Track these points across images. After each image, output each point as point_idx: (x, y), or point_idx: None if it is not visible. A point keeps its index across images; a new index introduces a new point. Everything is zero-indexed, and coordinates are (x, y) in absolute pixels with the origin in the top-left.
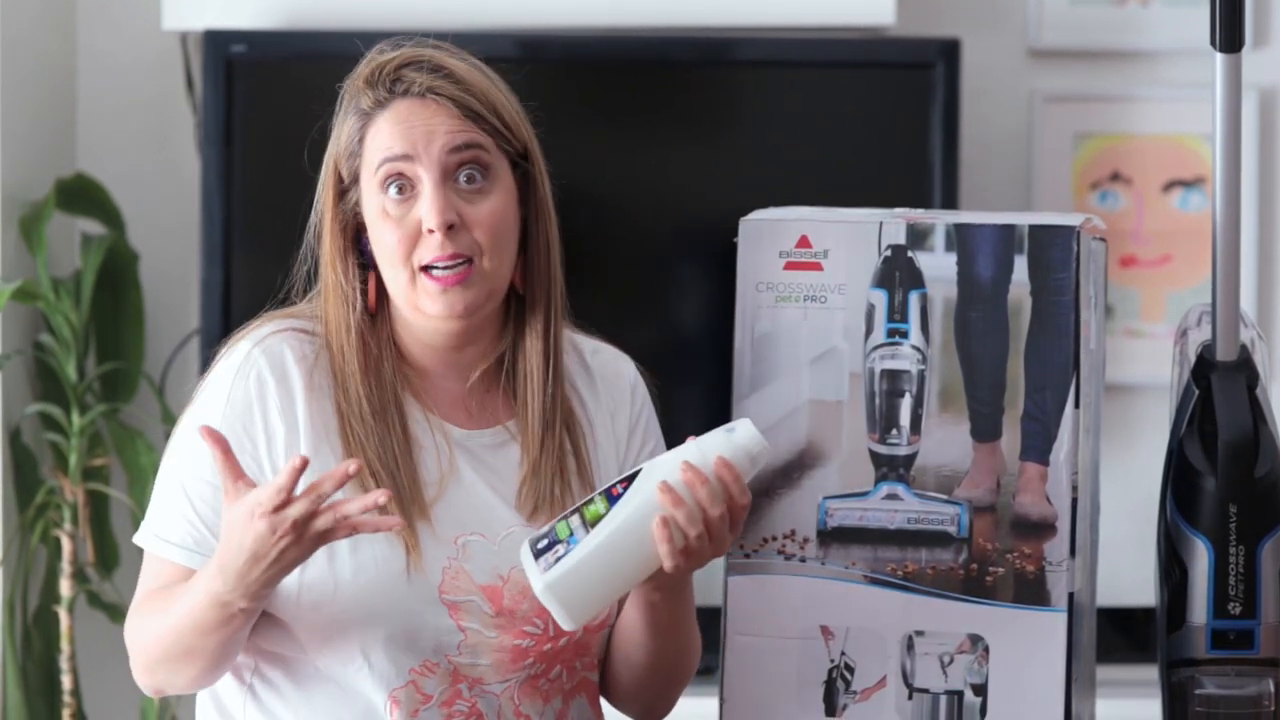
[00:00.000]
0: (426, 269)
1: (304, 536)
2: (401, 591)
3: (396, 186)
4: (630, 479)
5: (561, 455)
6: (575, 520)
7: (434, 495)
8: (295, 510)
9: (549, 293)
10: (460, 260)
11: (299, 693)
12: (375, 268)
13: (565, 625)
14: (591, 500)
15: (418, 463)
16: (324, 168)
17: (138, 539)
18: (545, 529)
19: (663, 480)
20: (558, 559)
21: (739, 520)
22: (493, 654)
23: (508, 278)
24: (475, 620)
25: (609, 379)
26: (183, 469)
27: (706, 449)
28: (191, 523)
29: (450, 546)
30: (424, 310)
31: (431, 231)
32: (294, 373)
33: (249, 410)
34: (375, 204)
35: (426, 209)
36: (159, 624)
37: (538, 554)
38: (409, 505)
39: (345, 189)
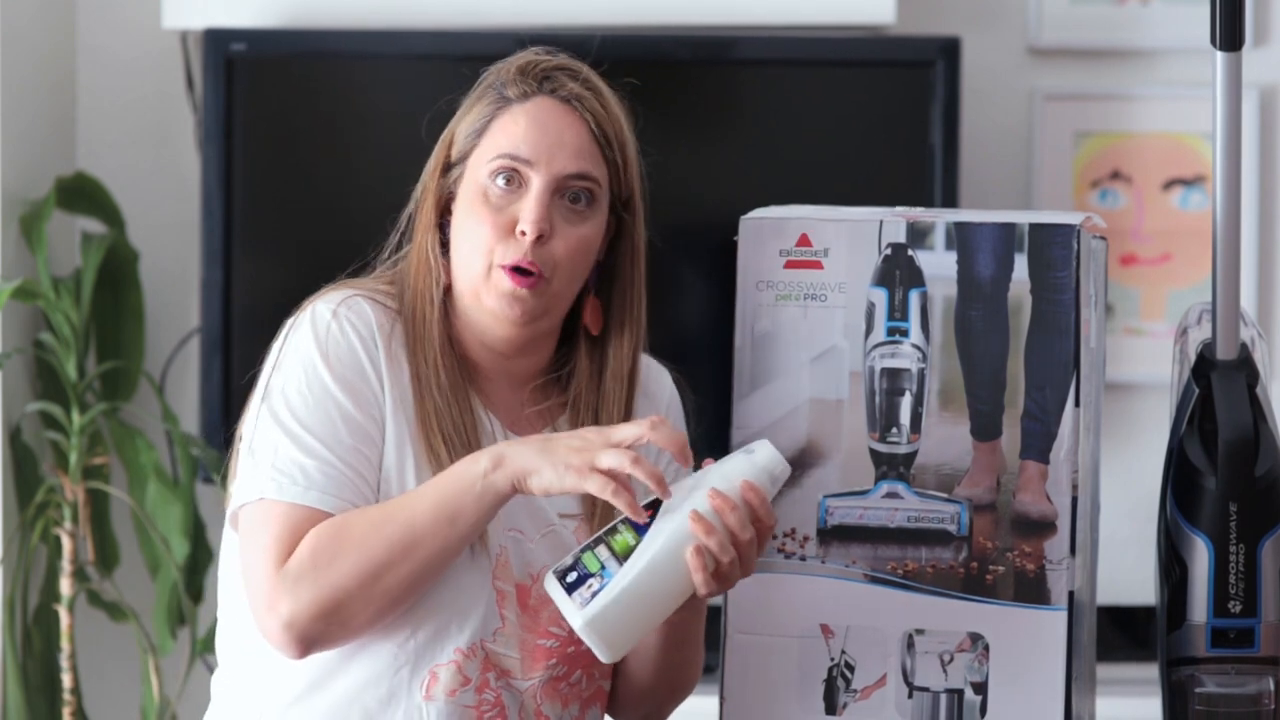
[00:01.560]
0: (506, 266)
1: (604, 449)
2: (465, 565)
3: (505, 178)
4: (653, 506)
5: None
6: (603, 552)
7: None
8: (617, 432)
9: (636, 332)
10: (536, 272)
11: (320, 678)
12: (445, 252)
13: (605, 659)
14: (615, 530)
15: (484, 443)
16: (439, 141)
17: (261, 491)
18: (569, 560)
19: (694, 509)
20: (594, 593)
21: (765, 541)
22: (520, 648)
23: (569, 303)
24: (511, 612)
25: (650, 394)
26: (300, 417)
27: (731, 474)
28: (330, 463)
29: (502, 535)
30: (486, 304)
31: (523, 234)
32: (377, 335)
33: (355, 359)
34: (477, 187)
35: (528, 212)
36: (361, 534)
37: (569, 588)
38: None
39: (452, 164)
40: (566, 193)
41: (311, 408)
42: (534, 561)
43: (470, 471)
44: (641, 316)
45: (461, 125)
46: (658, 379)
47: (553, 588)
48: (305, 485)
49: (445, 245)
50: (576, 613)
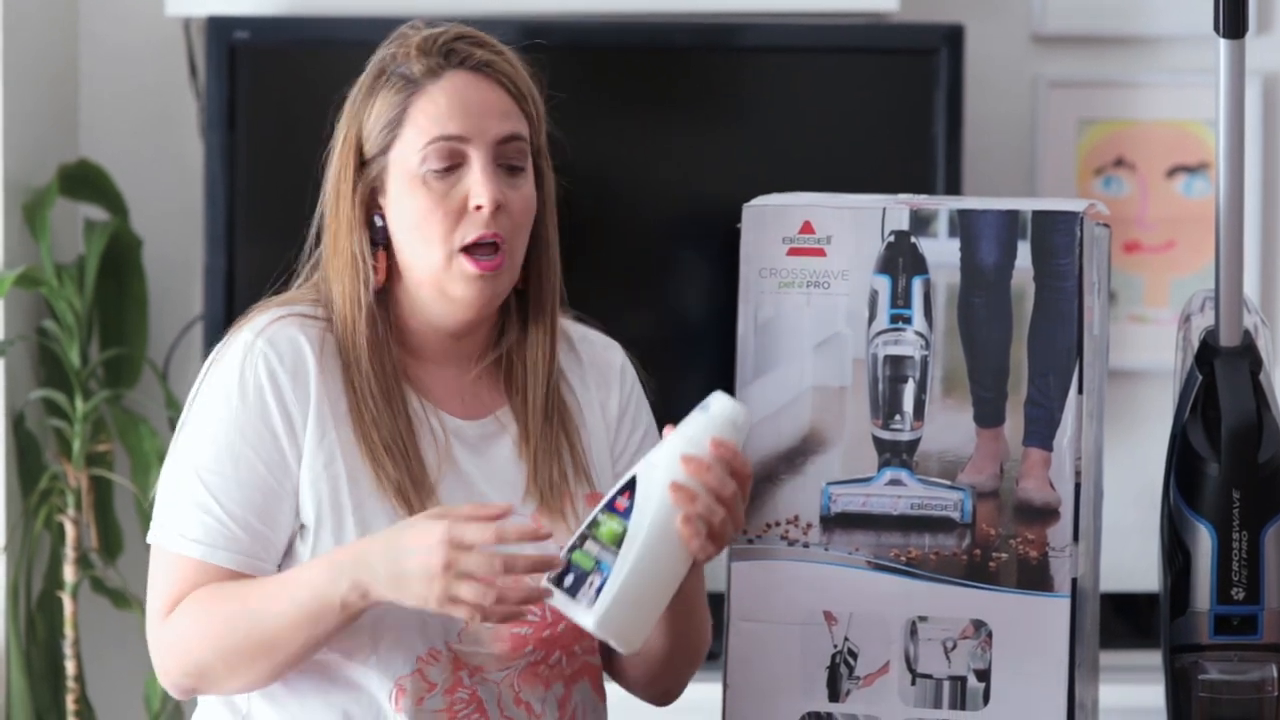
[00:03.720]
0: (468, 250)
1: (457, 579)
2: None
3: (444, 161)
4: (630, 489)
5: (558, 444)
6: (593, 547)
7: (434, 481)
8: (474, 560)
9: (554, 289)
10: (499, 244)
11: (302, 685)
12: (385, 245)
13: (625, 651)
14: (596, 521)
15: (422, 447)
16: (341, 137)
17: (155, 538)
18: (561, 565)
19: (671, 480)
20: (598, 590)
21: (748, 489)
22: (492, 643)
23: (520, 268)
24: None
25: (598, 366)
26: (200, 463)
27: (694, 435)
28: (219, 519)
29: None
30: (451, 294)
31: (479, 209)
32: (306, 354)
33: (262, 402)
34: (411, 177)
35: (479, 187)
36: (224, 623)
37: (570, 590)
38: (418, 488)
39: (367, 160)
40: (503, 159)
41: (213, 455)
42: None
43: (330, 592)
44: (556, 260)
45: (370, 118)
46: (604, 352)
47: (555, 598)
48: (204, 538)
49: (374, 244)
50: (586, 613)
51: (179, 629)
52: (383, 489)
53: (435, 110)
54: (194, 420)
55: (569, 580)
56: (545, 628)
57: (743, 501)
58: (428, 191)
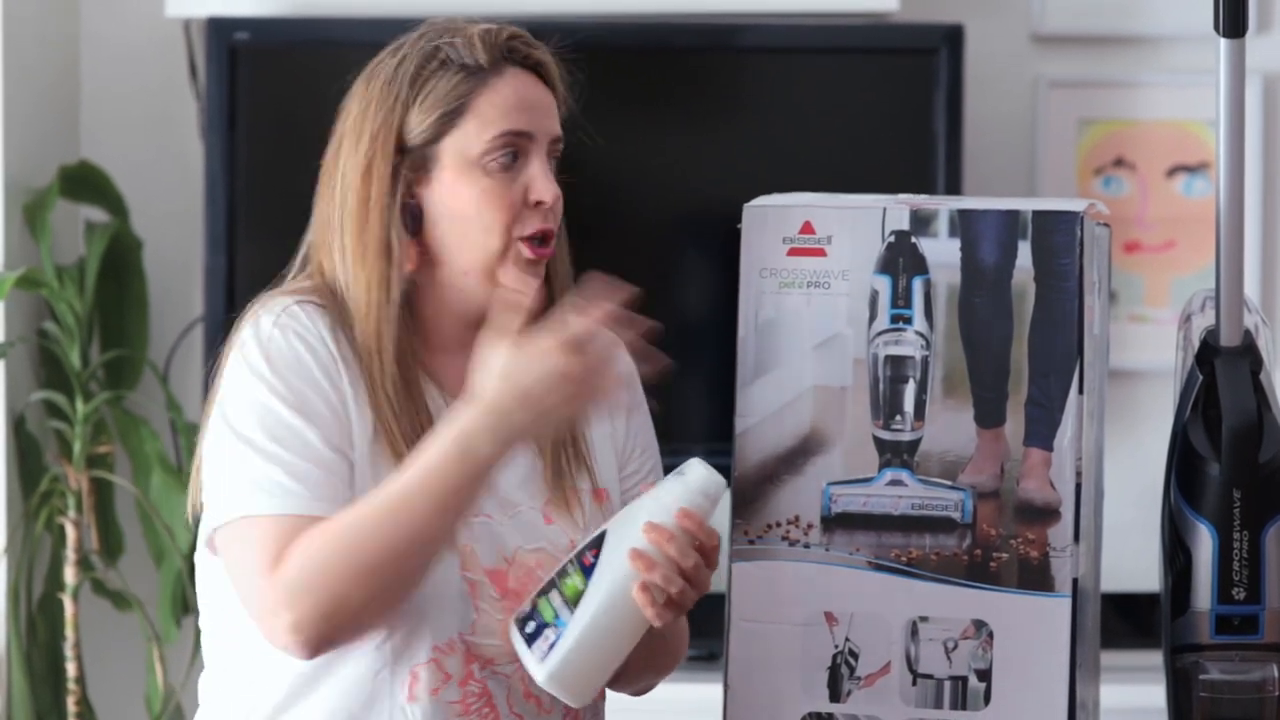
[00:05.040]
0: (527, 239)
1: (588, 384)
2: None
3: (509, 154)
4: (598, 545)
5: (567, 439)
6: (556, 599)
7: None
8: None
9: (565, 276)
10: (549, 236)
11: (314, 672)
12: (415, 233)
13: (574, 704)
14: (566, 572)
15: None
16: (370, 123)
17: (233, 510)
18: (527, 606)
19: (632, 548)
20: (550, 646)
21: (713, 560)
22: (501, 636)
23: None
24: (486, 601)
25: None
26: (263, 427)
27: (665, 502)
28: (301, 471)
29: (468, 524)
30: (504, 280)
31: (540, 204)
32: (326, 337)
33: (304, 364)
34: (471, 167)
35: (541, 183)
36: (354, 539)
37: (528, 639)
38: None
39: (410, 146)
40: (551, 156)
41: (272, 420)
42: (506, 543)
43: (469, 448)
44: (566, 254)
45: (422, 104)
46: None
47: (515, 638)
48: (283, 495)
49: (416, 232)
50: (537, 667)
51: (301, 570)
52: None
53: (504, 103)
54: (237, 401)
55: (530, 627)
56: None
57: (707, 570)
58: (491, 182)
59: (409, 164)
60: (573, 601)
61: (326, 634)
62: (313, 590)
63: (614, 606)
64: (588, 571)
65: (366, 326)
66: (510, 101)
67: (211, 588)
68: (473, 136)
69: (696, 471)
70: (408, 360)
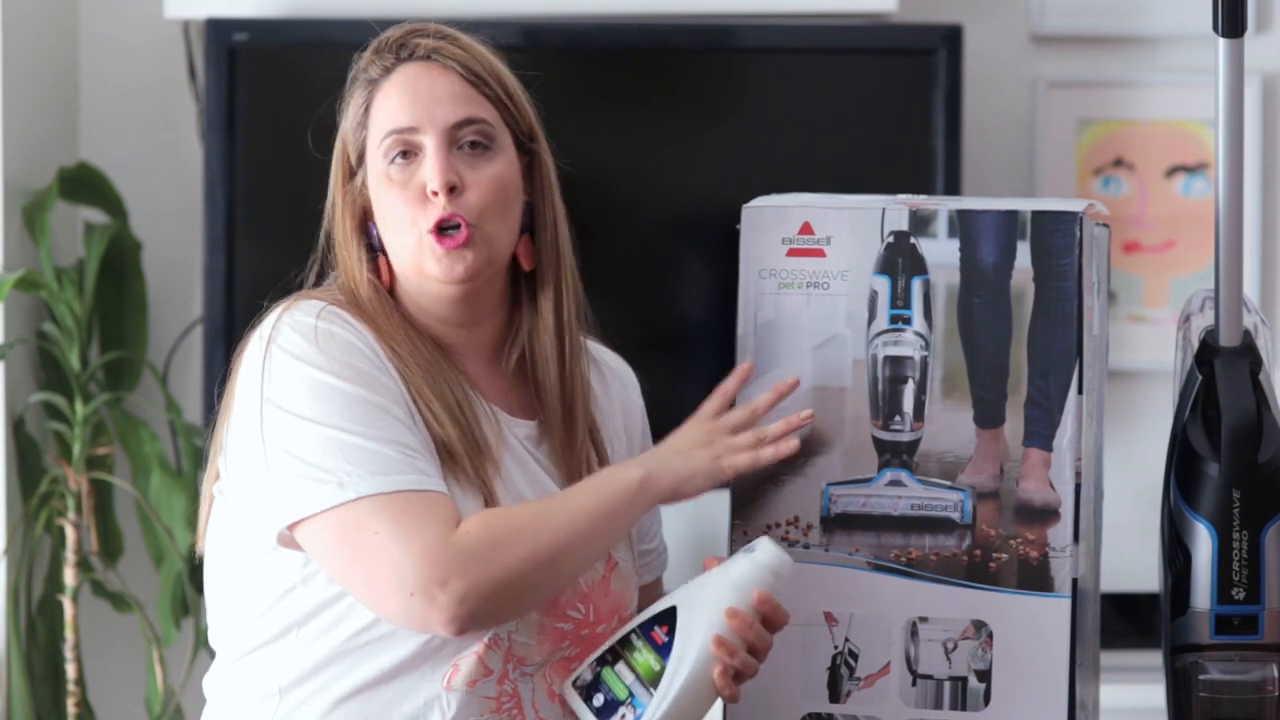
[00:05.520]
0: (432, 230)
1: (727, 447)
2: None
3: (400, 153)
4: (668, 621)
5: (585, 435)
6: (627, 674)
7: (497, 457)
8: (731, 418)
9: (558, 272)
10: (461, 224)
11: (356, 655)
12: (384, 251)
13: None
14: (632, 644)
15: (481, 422)
16: (335, 152)
17: (353, 492)
18: (587, 673)
19: (716, 634)
20: None
21: (778, 631)
22: (536, 634)
23: (509, 247)
24: None
25: (619, 375)
26: (351, 417)
27: (741, 584)
28: (413, 449)
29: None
30: (428, 271)
31: (435, 194)
32: (365, 332)
33: (359, 351)
34: (379, 175)
35: (429, 171)
36: (531, 521)
37: (599, 712)
38: (484, 459)
39: (354, 169)
40: (462, 143)
41: (347, 408)
42: None
43: (626, 479)
44: (566, 246)
45: (347, 126)
46: (619, 363)
47: (576, 704)
48: (412, 470)
49: (380, 248)
50: None
51: (479, 541)
52: (453, 470)
53: (388, 106)
54: (297, 397)
55: (598, 700)
56: (584, 627)
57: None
58: (390, 184)
59: (354, 188)
60: (650, 681)
61: (489, 609)
62: (491, 563)
63: (695, 689)
64: (662, 651)
65: (379, 327)
66: (393, 101)
67: (224, 573)
68: (375, 146)
69: (767, 550)
70: (424, 346)
